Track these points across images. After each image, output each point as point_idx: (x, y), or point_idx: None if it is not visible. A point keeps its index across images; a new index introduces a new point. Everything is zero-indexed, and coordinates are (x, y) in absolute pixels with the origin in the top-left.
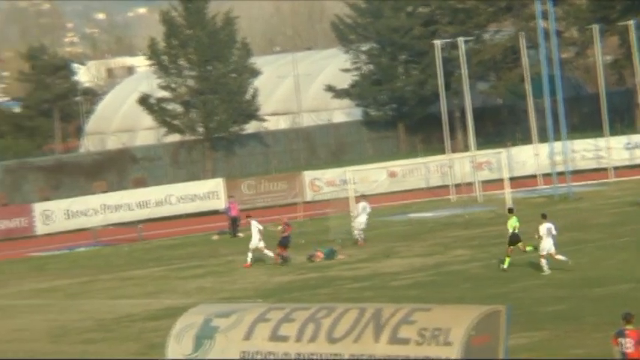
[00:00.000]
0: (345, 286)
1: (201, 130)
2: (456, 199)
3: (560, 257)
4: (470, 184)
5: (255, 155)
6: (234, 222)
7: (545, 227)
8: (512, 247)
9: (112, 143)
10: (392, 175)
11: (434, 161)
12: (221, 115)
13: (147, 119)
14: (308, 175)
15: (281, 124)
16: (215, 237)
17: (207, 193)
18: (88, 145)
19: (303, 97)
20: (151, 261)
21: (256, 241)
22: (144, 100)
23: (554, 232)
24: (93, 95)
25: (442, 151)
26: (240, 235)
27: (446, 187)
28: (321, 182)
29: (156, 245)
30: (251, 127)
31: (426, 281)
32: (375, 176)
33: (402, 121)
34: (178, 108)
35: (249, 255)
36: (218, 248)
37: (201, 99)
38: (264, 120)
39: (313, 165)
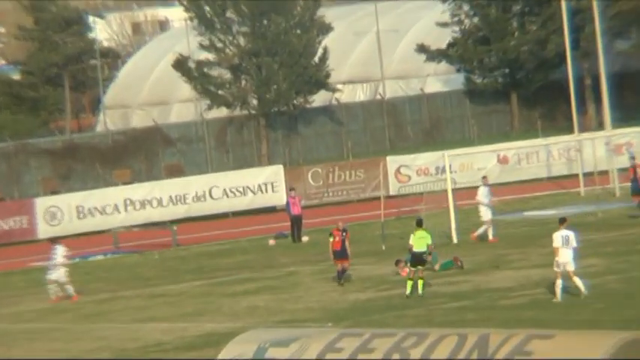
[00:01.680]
0: (441, 305)
1: (254, 102)
2: (586, 192)
3: (577, 281)
4: (605, 173)
5: (324, 135)
6: (297, 222)
7: (560, 236)
8: None
9: (139, 120)
10: (503, 160)
11: (557, 143)
12: (281, 83)
13: (184, 88)
14: (393, 162)
15: (359, 94)
16: (272, 242)
17: (262, 184)
18: (108, 122)
19: (386, 60)
20: (188, 273)
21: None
22: (180, 64)
23: (574, 243)
24: (114, 58)
25: (568, 130)
26: (305, 238)
27: (573, 176)
28: (409, 170)
29: (195, 252)
30: (319, 98)
31: (546, 299)
32: (482, 162)
33: (516, 91)
34: (225, 74)
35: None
36: (275, 256)
37: (255, 62)
38: (336, 90)
39: (400, 148)
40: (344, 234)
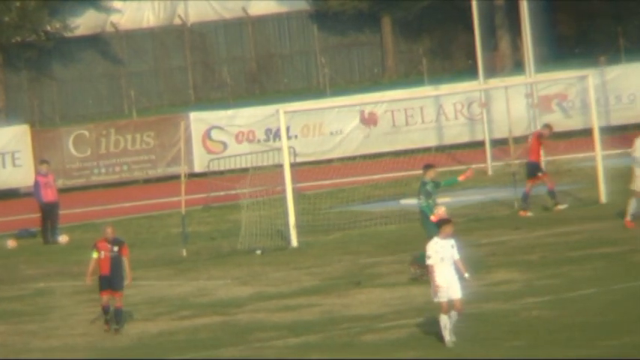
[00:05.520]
0: (272, 342)
1: None
2: (495, 169)
3: (446, 322)
4: (524, 140)
5: (93, 80)
6: (50, 213)
7: (439, 246)
8: None
9: None
10: (369, 121)
11: (454, 94)
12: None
13: None
14: (199, 121)
15: (147, 17)
16: (11, 243)
17: None
18: None
19: None
20: None
21: None
22: None
23: (456, 255)
24: None
25: (470, 75)
26: (62, 239)
27: (477, 145)
28: (225, 134)
29: None
30: (86, 23)
31: (434, 332)
32: (336, 124)
33: (390, 14)
34: None
35: None
36: (18, 265)
37: None
38: (112, 10)
39: (211, 100)
40: (116, 249)
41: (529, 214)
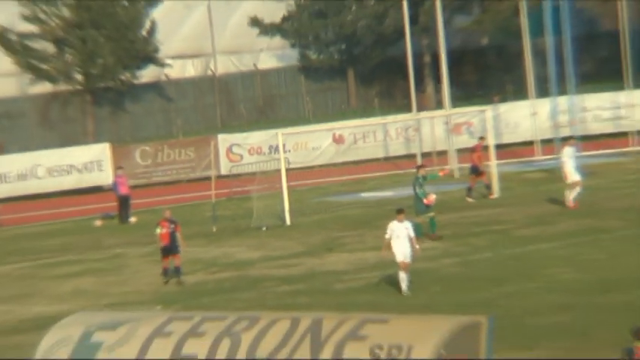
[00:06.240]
0: (272, 289)
1: (79, 77)
2: (424, 172)
3: (403, 277)
4: (444, 154)
5: (153, 113)
6: (124, 202)
7: (397, 227)
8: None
9: None
10: (339, 140)
11: (395, 122)
12: (107, 57)
13: (5, 62)
14: (224, 140)
15: (189, 70)
16: (98, 222)
17: (88, 163)
18: None
19: (218, 34)
20: (10, 255)
21: None
22: (0, 36)
23: (412, 234)
24: None
25: (407, 109)
26: (132, 220)
27: (411, 156)
28: (242, 149)
29: (18, 233)
30: (148, 74)
31: (382, 282)
32: (317, 142)
33: (353, 68)
34: (49, 47)
35: None
36: (102, 238)
37: (80, 35)
38: (165, 65)
39: (232, 126)
40: (172, 226)
41: (471, 200)
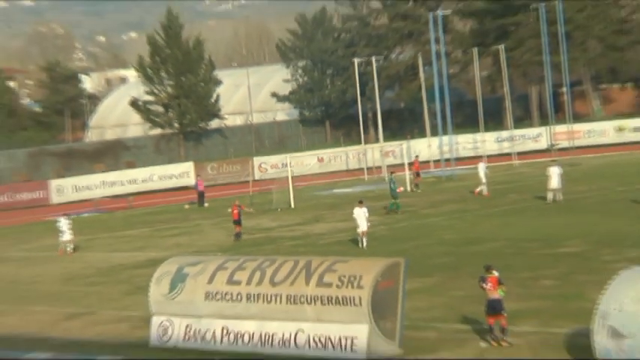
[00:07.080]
0: (284, 243)
1: (176, 125)
2: (368, 178)
3: (364, 240)
4: (379, 168)
5: (217, 145)
6: (201, 195)
7: (359, 211)
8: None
9: (110, 135)
10: (320, 160)
11: (352, 150)
12: (192, 114)
13: (136, 117)
14: (257, 160)
15: (237, 121)
16: (186, 206)
17: (181, 173)
18: (92, 136)
19: (254, 100)
20: (138, 224)
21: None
22: (134, 103)
23: (367, 214)
24: (95, 98)
25: (359, 142)
26: (206, 205)
27: (361, 169)
28: (266, 165)
29: (142, 212)
30: (214, 123)
31: (346, 240)
32: (308, 161)
33: (329, 120)
34: (160, 109)
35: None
36: (189, 214)
37: (177, 102)
38: (224, 118)
39: (261, 152)
40: (240, 208)
41: (419, 191)
